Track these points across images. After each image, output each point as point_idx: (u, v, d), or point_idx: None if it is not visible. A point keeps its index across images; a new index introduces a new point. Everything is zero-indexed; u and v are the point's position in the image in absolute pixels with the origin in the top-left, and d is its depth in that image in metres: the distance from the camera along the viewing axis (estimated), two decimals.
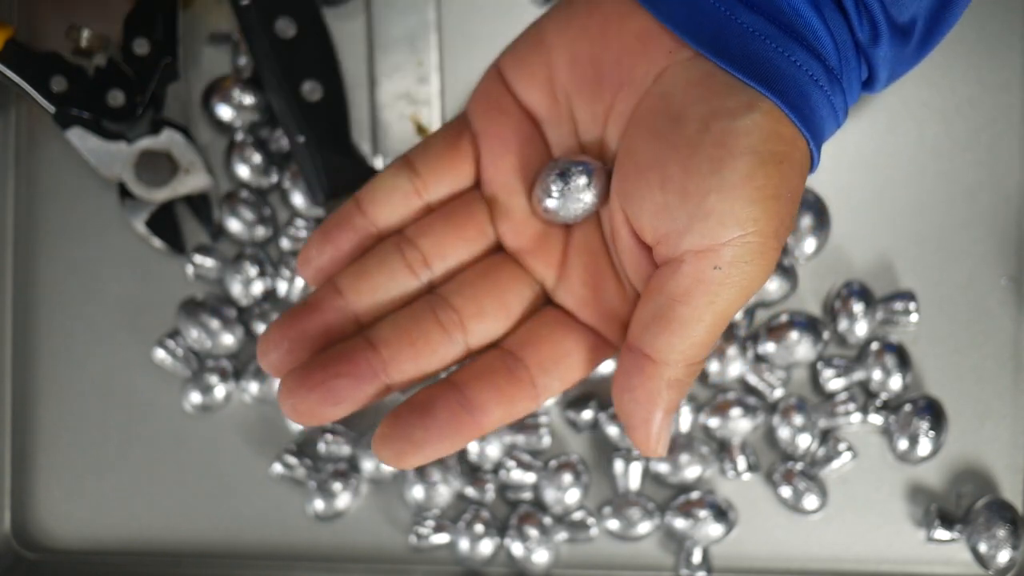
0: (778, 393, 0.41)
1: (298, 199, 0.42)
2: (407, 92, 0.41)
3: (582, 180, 0.30)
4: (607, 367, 0.42)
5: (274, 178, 0.42)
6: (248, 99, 0.41)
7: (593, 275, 0.31)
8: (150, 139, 0.39)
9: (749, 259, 0.28)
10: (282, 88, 0.39)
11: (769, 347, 0.41)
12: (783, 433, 0.41)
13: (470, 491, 0.41)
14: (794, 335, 0.41)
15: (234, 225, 0.41)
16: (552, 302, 0.33)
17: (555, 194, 0.30)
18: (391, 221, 0.32)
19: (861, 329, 0.41)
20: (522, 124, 0.31)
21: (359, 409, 0.30)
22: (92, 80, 0.38)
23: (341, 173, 0.40)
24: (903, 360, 0.41)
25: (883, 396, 0.41)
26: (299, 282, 0.42)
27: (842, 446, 0.41)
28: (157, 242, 0.41)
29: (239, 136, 0.42)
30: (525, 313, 0.32)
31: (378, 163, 0.42)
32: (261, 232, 0.42)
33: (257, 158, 0.41)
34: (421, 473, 0.41)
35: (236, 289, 0.41)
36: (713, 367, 0.41)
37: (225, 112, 0.41)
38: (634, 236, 0.30)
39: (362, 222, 0.32)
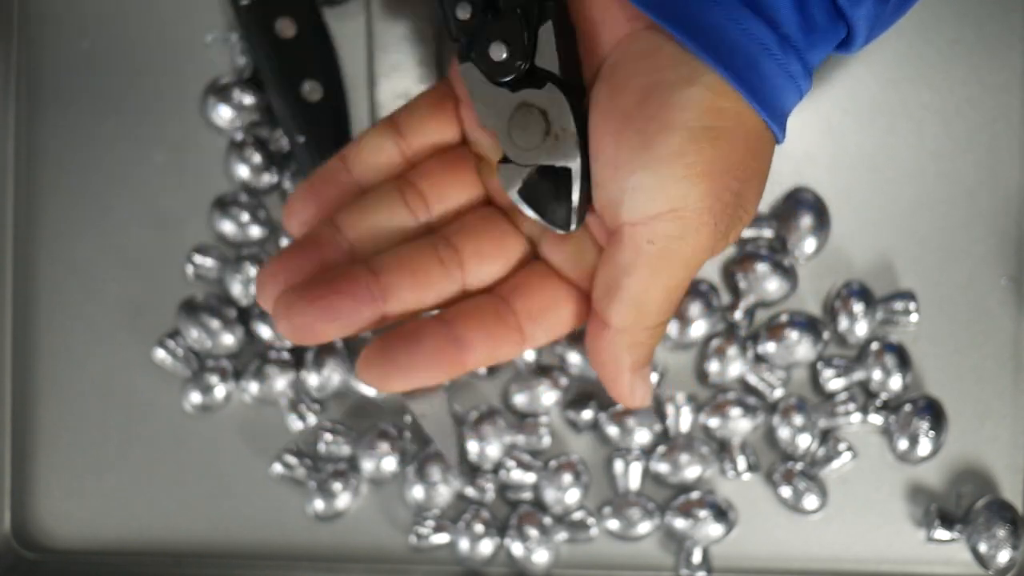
0: (778, 393, 0.41)
1: None
2: (406, 92, 0.41)
3: None
4: None
5: (274, 178, 0.42)
6: (248, 99, 0.41)
7: (576, 235, 0.32)
8: (530, 91, 0.30)
9: (681, 235, 0.28)
10: (282, 88, 0.39)
11: (769, 347, 0.41)
12: (783, 433, 0.41)
13: (470, 491, 0.41)
14: (794, 335, 0.41)
15: (228, 227, 0.41)
16: (539, 257, 0.33)
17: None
18: (376, 179, 0.33)
19: (861, 329, 0.41)
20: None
21: (353, 332, 0.31)
22: (475, 27, 0.31)
23: None
24: (903, 360, 0.41)
25: (883, 396, 0.41)
26: None
27: (842, 446, 0.41)
28: (530, 213, 0.32)
29: (238, 136, 0.42)
30: (520, 262, 0.33)
31: None
32: (257, 232, 0.42)
33: (257, 158, 0.41)
34: (421, 473, 0.41)
35: (236, 289, 0.41)
36: (713, 367, 0.41)
37: (225, 112, 0.41)
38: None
39: (346, 178, 0.33)
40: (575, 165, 0.30)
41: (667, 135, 0.27)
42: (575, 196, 0.30)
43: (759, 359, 0.41)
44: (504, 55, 0.29)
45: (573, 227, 0.31)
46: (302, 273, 0.31)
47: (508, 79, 0.30)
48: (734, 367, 0.41)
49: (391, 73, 0.41)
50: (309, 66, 0.40)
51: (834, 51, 0.30)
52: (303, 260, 0.31)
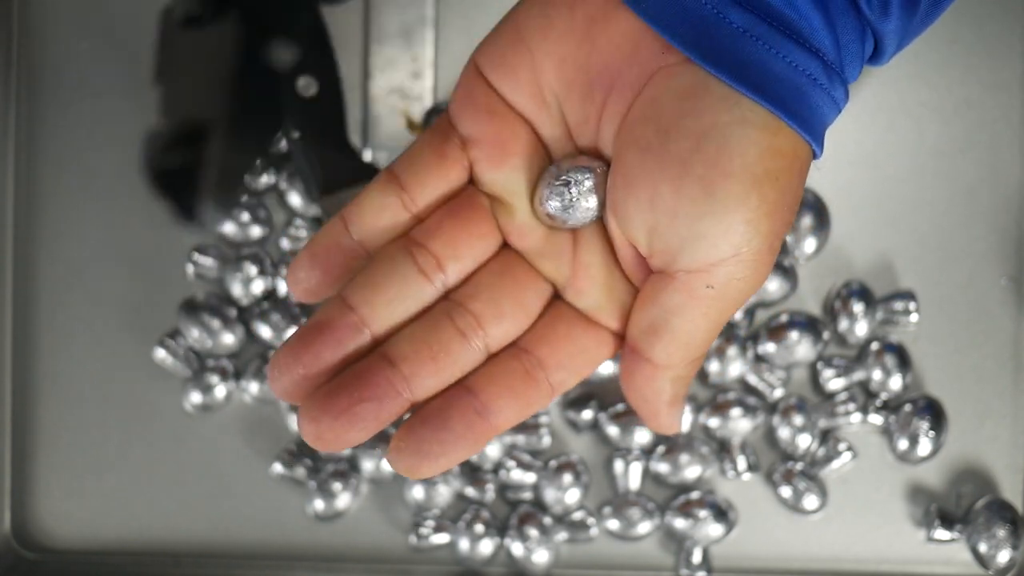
0: (778, 393, 0.41)
1: (295, 199, 0.42)
2: (400, 87, 0.41)
3: (586, 185, 0.29)
4: (605, 367, 0.42)
5: (272, 179, 0.42)
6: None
7: (605, 276, 0.31)
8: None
9: (742, 275, 0.27)
10: (277, 84, 0.39)
11: (769, 347, 0.41)
12: (783, 433, 0.41)
13: (470, 491, 0.41)
14: (794, 335, 0.41)
15: (228, 227, 0.42)
16: (561, 297, 0.32)
17: (559, 200, 0.29)
18: (381, 240, 0.31)
19: (861, 329, 0.41)
20: (515, 125, 0.30)
21: (381, 429, 0.30)
22: None
23: (336, 169, 0.40)
24: (903, 360, 0.41)
25: (883, 396, 0.41)
26: None
27: (842, 446, 0.41)
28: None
29: None
30: (542, 310, 0.32)
31: (367, 156, 0.42)
32: (257, 232, 0.42)
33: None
34: None
35: (236, 289, 0.41)
36: (713, 367, 0.41)
37: None
38: (628, 243, 0.29)
39: (349, 242, 0.31)
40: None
41: (730, 183, 0.26)
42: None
43: (759, 359, 0.41)
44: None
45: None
46: (318, 361, 0.30)
47: None
48: (734, 367, 0.41)
49: (385, 67, 0.41)
50: (304, 62, 0.40)
51: (866, 64, 0.30)
52: (317, 348, 0.30)
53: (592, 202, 0.29)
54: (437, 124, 0.31)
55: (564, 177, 0.29)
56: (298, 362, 0.29)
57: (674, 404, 0.31)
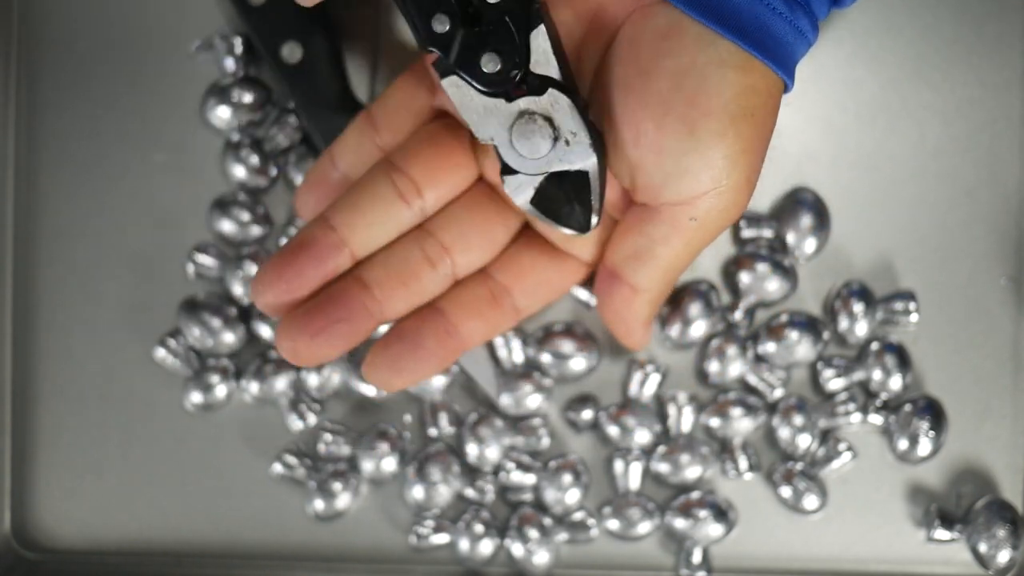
0: (778, 393, 0.41)
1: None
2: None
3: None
4: (607, 369, 0.42)
5: (269, 180, 0.42)
6: (247, 97, 0.41)
7: None
8: (530, 99, 0.29)
9: (723, 207, 0.29)
10: (262, 53, 0.40)
11: (769, 347, 0.41)
12: (783, 433, 0.41)
13: (470, 492, 0.41)
14: (794, 335, 0.41)
15: (228, 227, 0.41)
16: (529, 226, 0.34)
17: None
18: (361, 170, 0.34)
19: (861, 329, 0.41)
20: None
21: (353, 346, 0.32)
22: (464, 38, 0.29)
23: (339, 127, 0.40)
24: (903, 360, 0.41)
25: (883, 396, 0.41)
26: None
27: (842, 446, 0.41)
28: (545, 221, 0.32)
29: (234, 136, 0.42)
30: (508, 242, 0.34)
31: None
32: (256, 231, 0.42)
33: (254, 158, 0.41)
34: (421, 473, 0.41)
35: (237, 288, 0.41)
36: (713, 367, 0.41)
37: (223, 112, 0.41)
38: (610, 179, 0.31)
39: (336, 176, 0.34)
40: (592, 167, 0.29)
41: (710, 120, 0.28)
42: (595, 196, 0.30)
43: (759, 359, 0.41)
44: (498, 66, 0.28)
45: (594, 224, 0.30)
46: (300, 278, 0.31)
47: (502, 90, 0.29)
48: (734, 367, 0.41)
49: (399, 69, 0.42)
50: (286, 28, 0.39)
51: (831, 6, 0.31)
52: (300, 265, 0.32)
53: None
54: (414, 66, 0.34)
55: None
56: (281, 278, 0.31)
57: (648, 323, 0.34)
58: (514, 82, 0.29)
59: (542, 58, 0.28)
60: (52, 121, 0.43)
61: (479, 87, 0.29)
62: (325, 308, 0.31)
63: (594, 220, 0.30)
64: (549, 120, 0.29)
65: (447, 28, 0.28)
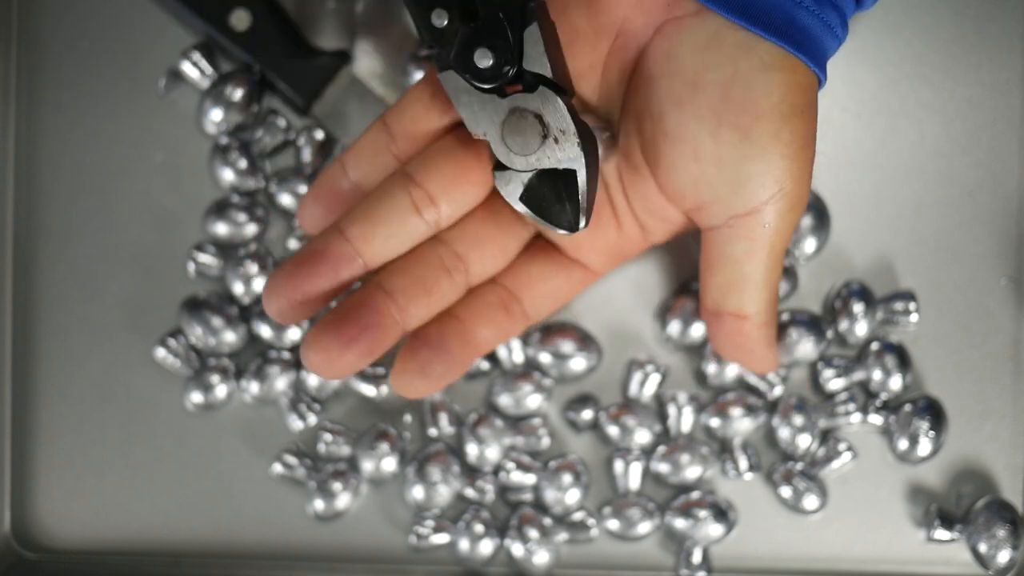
0: (777, 391, 0.41)
1: (286, 199, 0.42)
2: (382, 72, 0.42)
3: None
4: (607, 369, 0.42)
5: (260, 182, 0.42)
6: (237, 93, 0.41)
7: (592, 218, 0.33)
8: (522, 96, 0.29)
9: (791, 206, 0.30)
10: (211, 25, 0.40)
11: None
12: (783, 433, 0.41)
13: (470, 492, 0.41)
14: (795, 334, 0.41)
15: (226, 229, 0.41)
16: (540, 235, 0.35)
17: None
18: (375, 179, 0.34)
19: (861, 329, 0.41)
20: None
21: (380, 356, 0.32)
22: (461, 33, 0.29)
23: (306, 77, 0.41)
24: (903, 360, 0.41)
25: (883, 396, 0.41)
26: None
27: (842, 446, 0.41)
28: (534, 218, 0.31)
29: (223, 140, 0.42)
30: (519, 251, 0.35)
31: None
32: (253, 230, 0.42)
33: (242, 162, 0.41)
34: (421, 473, 0.41)
35: (238, 287, 0.41)
36: (711, 368, 0.41)
37: (216, 115, 0.41)
38: (665, 200, 0.32)
39: (347, 183, 0.34)
40: (580, 166, 0.29)
41: (762, 123, 0.28)
42: (582, 196, 0.30)
43: None
44: (491, 61, 0.29)
45: (582, 226, 0.30)
46: (313, 286, 0.31)
47: (495, 85, 0.29)
48: (732, 367, 0.41)
49: (371, 53, 0.42)
50: None
51: (856, 8, 0.31)
52: (314, 273, 0.31)
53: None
54: (431, 75, 0.33)
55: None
56: (293, 286, 0.31)
57: (771, 344, 0.34)
58: (507, 78, 0.29)
59: (535, 56, 0.29)
60: (52, 120, 0.43)
61: (473, 82, 0.29)
62: (354, 315, 0.31)
63: (582, 221, 0.30)
64: (539, 118, 0.29)
65: (445, 23, 0.29)
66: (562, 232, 0.31)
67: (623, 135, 0.32)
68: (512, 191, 0.31)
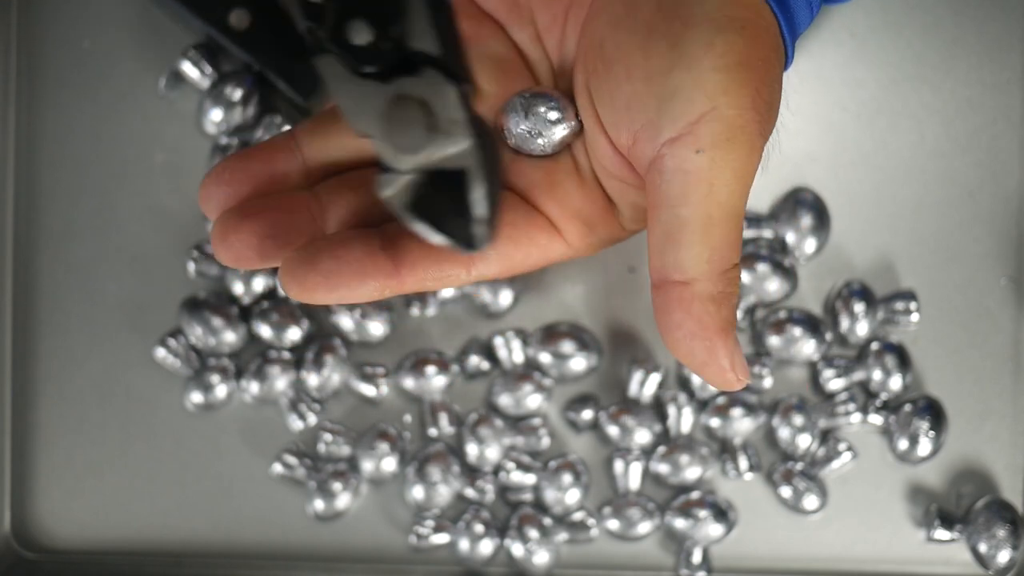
0: (767, 383, 0.41)
1: None
2: None
3: (552, 115, 0.29)
4: (607, 369, 0.42)
5: None
6: (237, 93, 0.41)
7: (550, 162, 0.30)
8: (406, 80, 0.24)
9: (729, 134, 0.26)
10: (211, 25, 0.40)
11: (774, 340, 0.41)
12: (783, 433, 0.41)
13: (470, 492, 0.41)
14: (795, 333, 0.41)
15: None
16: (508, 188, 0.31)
17: (523, 132, 0.29)
18: (323, 155, 0.30)
19: (862, 329, 0.41)
20: (486, 27, 0.31)
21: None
22: (336, 5, 0.24)
23: (306, 79, 0.40)
24: (903, 360, 0.41)
25: (883, 396, 0.41)
26: None
27: (842, 446, 0.41)
28: (425, 232, 0.25)
29: (223, 140, 0.42)
30: None
31: None
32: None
33: None
34: (421, 473, 0.41)
35: (237, 287, 0.41)
36: (696, 377, 0.41)
37: (216, 115, 0.41)
38: (611, 145, 0.28)
39: (289, 162, 0.30)
40: (473, 165, 0.24)
41: (692, 30, 0.26)
42: (477, 203, 0.24)
43: (758, 355, 0.41)
44: (369, 37, 0.23)
45: (483, 242, 0.25)
46: (251, 181, 0.29)
47: (375, 68, 0.24)
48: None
49: None
50: None
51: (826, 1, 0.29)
52: (248, 159, 0.29)
53: (558, 132, 0.29)
54: None
55: (528, 108, 0.29)
56: (230, 176, 0.29)
57: (727, 334, 0.27)
58: (389, 59, 0.24)
59: (421, 30, 0.24)
60: (52, 121, 0.43)
61: (350, 65, 0.24)
62: (266, 200, 0.29)
63: (482, 234, 0.24)
64: (426, 106, 0.24)
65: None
66: (460, 249, 0.25)
67: (578, 90, 0.30)
68: (397, 198, 0.25)
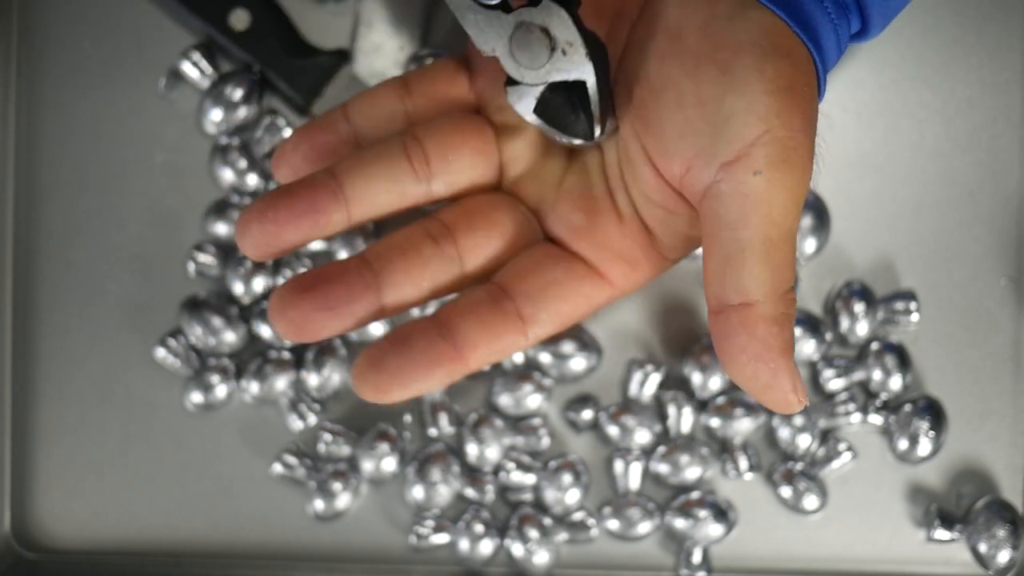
0: None
1: None
2: (382, 72, 0.42)
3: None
4: (607, 369, 0.42)
5: (261, 183, 0.42)
6: (237, 93, 0.41)
7: (588, 204, 0.31)
8: (526, 10, 0.29)
9: (784, 156, 0.26)
10: (211, 25, 0.40)
11: None
12: (783, 433, 0.41)
13: (470, 492, 0.41)
14: (795, 332, 0.40)
15: (222, 229, 0.42)
16: (548, 238, 0.32)
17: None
18: (377, 130, 0.32)
19: (862, 329, 0.41)
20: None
21: (352, 325, 0.30)
22: None
23: (306, 75, 0.41)
24: (903, 360, 0.41)
25: (883, 396, 0.41)
26: None
27: (842, 446, 0.41)
28: (548, 130, 0.31)
29: (223, 140, 0.42)
30: (517, 236, 0.32)
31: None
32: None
33: (242, 162, 0.41)
34: (421, 473, 0.41)
35: (237, 287, 0.41)
36: (696, 377, 0.41)
37: (216, 115, 0.41)
38: (658, 176, 0.29)
39: (345, 127, 0.32)
40: (589, 76, 0.29)
41: (742, 57, 0.27)
42: (594, 105, 0.29)
43: None
44: None
45: (598, 134, 0.30)
46: (291, 216, 0.30)
47: (498, 1, 0.29)
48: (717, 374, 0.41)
49: (371, 52, 0.42)
50: None
51: (851, 41, 0.30)
52: (293, 198, 0.30)
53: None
54: (452, 57, 0.33)
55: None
56: (273, 210, 0.29)
57: (787, 356, 0.27)
58: None
59: None
60: (52, 121, 0.43)
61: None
62: (323, 275, 0.30)
63: (597, 130, 0.30)
64: (546, 31, 0.29)
65: None
66: (577, 142, 0.30)
67: (620, 120, 0.31)
68: (525, 105, 0.30)
